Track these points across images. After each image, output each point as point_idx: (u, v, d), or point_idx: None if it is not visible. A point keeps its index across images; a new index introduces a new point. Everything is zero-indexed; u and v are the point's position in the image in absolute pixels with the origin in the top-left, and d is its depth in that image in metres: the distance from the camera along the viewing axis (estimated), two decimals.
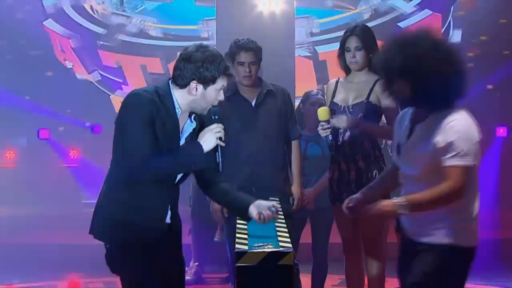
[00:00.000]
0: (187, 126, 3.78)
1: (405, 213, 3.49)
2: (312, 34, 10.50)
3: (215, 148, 3.69)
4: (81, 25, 10.61)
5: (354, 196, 3.76)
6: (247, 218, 3.82)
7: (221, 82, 3.67)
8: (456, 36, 10.55)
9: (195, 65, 3.62)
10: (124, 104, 3.71)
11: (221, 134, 3.69)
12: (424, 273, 3.53)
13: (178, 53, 3.78)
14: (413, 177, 3.56)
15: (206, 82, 3.63)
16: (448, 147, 3.41)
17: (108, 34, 10.67)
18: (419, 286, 3.55)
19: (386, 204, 3.49)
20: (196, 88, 3.64)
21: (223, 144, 3.69)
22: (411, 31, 3.62)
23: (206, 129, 3.70)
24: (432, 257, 3.53)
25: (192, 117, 3.77)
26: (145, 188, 3.72)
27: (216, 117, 3.72)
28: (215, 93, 3.67)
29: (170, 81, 3.72)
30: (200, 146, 3.66)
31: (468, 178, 3.43)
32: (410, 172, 3.58)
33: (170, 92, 3.69)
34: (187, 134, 3.78)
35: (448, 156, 3.41)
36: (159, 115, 3.64)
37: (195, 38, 10.53)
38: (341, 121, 4.69)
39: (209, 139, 3.67)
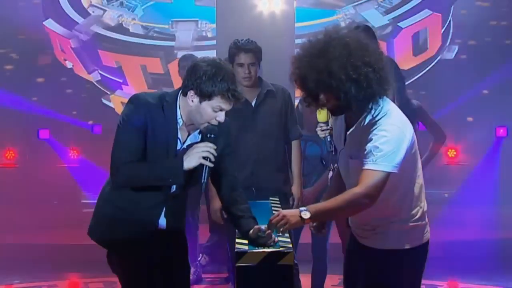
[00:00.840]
0: (192, 138, 3.74)
1: (311, 222, 3.42)
2: (202, 38, 10.46)
3: (203, 167, 3.59)
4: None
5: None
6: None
7: (217, 102, 3.57)
8: (455, 36, 10.55)
9: (196, 75, 3.57)
10: (124, 107, 3.72)
11: (208, 154, 3.57)
12: (375, 282, 3.51)
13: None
14: (350, 183, 3.49)
15: (202, 95, 3.57)
16: (367, 152, 3.33)
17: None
18: None
19: (292, 214, 3.37)
20: (192, 99, 3.60)
21: (210, 164, 3.57)
22: (321, 41, 3.39)
23: (194, 145, 3.62)
24: (380, 263, 3.51)
25: (198, 131, 3.72)
26: (132, 192, 3.72)
27: (212, 136, 3.63)
28: (210, 110, 3.57)
29: (179, 90, 3.70)
30: (181, 162, 3.56)
31: (382, 183, 3.31)
32: (348, 180, 3.53)
33: (176, 100, 3.67)
34: (185, 146, 3.71)
35: (365, 160, 3.33)
36: (153, 122, 3.62)
37: (194, 38, 10.53)
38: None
39: (193, 156, 3.57)
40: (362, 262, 3.59)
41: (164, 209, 3.80)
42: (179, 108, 3.66)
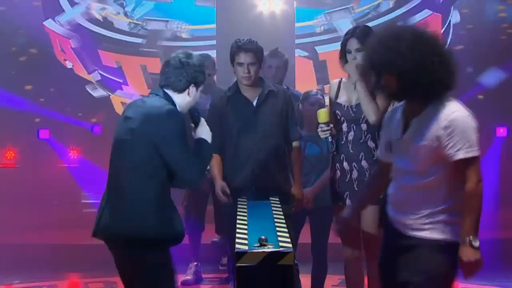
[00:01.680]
0: None
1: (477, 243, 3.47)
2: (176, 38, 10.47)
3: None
4: (81, 25, 10.61)
5: (345, 217, 3.84)
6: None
7: (202, 84, 4.09)
8: (455, 35, 10.55)
9: (194, 69, 4.00)
10: (165, 123, 3.90)
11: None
12: (424, 270, 3.52)
13: (166, 58, 4.07)
14: (409, 171, 3.56)
15: (199, 84, 4.04)
16: (454, 140, 3.44)
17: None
18: (422, 283, 3.54)
19: (470, 254, 3.44)
20: (192, 92, 4.02)
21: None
22: (395, 26, 3.65)
23: (201, 126, 4.07)
24: (430, 254, 3.53)
25: None
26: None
27: (198, 113, 4.10)
28: (199, 92, 4.08)
29: (164, 89, 4.00)
30: (207, 141, 4.06)
31: (479, 165, 3.48)
32: (407, 166, 3.57)
33: (172, 99, 4.00)
34: None
35: (456, 149, 3.44)
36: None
37: (194, 38, 10.53)
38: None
39: (208, 132, 4.07)
40: (410, 256, 3.58)
41: None
42: (177, 103, 4.01)
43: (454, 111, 3.49)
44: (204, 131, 4.05)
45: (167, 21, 10.56)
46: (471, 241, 3.44)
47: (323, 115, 4.84)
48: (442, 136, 3.46)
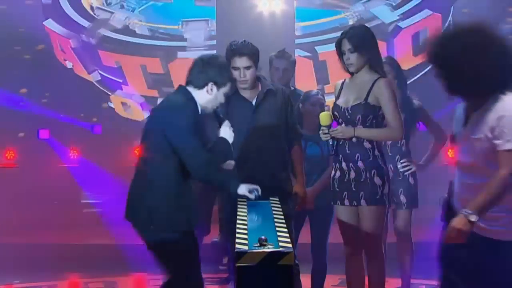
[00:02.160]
0: None
1: (477, 221, 3.50)
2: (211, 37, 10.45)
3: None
4: (81, 25, 10.61)
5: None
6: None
7: (228, 87, 4.40)
8: None
9: (214, 69, 4.31)
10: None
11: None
12: (485, 268, 3.58)
13: (194, 59, 4.42)
14: (467, 165, 3.63)
15: (220, 85, 4.32)
16: (501, 132, 3.49)
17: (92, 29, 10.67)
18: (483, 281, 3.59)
19: (458, 221, 3.52)
20: (212, 89, 4.30)
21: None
22: (466, 23, 3.67)
23: (224, 126, 4.45)
24: (493, 252, 3.57)
25: None
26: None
27: (222, 115, 4.52)
28: (223, 95, 4.36)
29: (186, 86, 4.34)
30: (227, 140, 4.42)
31: None
32: (465, 158, 3.63)
33: (192, 95, 4.31)
34: None
35: (501, 141, 3.49)
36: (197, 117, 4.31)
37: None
38: (337, 133, 4.78)
39: (230, 134, 4.44)
40: (473, 253, 3.61)
41: None
42: (197, 99, 4.32)
43: (509, 104, 3.53)
44: (226, 132, 4.41)
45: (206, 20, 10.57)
46: (470, 214, 3.48)
47: (324, 118, 4.85)
48: (494, 128, 3.51)
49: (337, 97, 4.91)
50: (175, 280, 4.26)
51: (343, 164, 4.84)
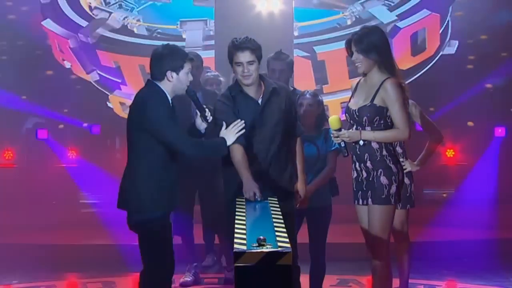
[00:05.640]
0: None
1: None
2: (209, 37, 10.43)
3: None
4: (79, 24, 10.61)
5: None
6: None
7: (187, 66, 4.65)
8: (454, 35, 10.56)
9: (166, 58, 4.60)
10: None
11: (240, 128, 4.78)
12: None
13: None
14: None
15: (177, 69, 4.59)
16: None
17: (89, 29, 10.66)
18: None
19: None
20: (172, 76, 4.60)
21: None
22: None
23: (228, 130, 4.78)
24: None
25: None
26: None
27: (194, 92, 4.76)
28: (186, 75, 4.64)
29: (151, 80, 4.64)
30: (225, 141, 4.75)
31: None
32: None
33: (158, 86, 4.62)
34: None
35: None
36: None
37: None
38: (344, 137, 4.81)
39: (232, 138, 4.76)
40: None
41: None
42: (164, 89, 4.62)
43: None
44: (229, 135, 4.75)
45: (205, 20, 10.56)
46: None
47: (334, 122, 4.85)
48: None
49: (350, 98, 4.93)
50: (151, 260, 4.57)
51: (357, 165, 4.87)
